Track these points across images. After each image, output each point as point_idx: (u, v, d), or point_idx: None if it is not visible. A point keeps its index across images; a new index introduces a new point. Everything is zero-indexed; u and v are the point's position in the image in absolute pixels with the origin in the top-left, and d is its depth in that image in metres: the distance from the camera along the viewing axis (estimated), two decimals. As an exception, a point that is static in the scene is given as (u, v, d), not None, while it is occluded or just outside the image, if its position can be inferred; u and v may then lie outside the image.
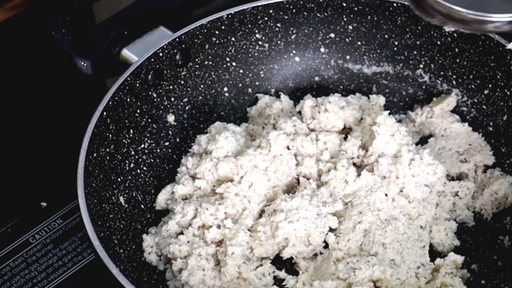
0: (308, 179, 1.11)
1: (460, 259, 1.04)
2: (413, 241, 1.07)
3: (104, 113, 1.09)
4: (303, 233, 1.05)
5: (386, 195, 1.09)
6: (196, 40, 1.19)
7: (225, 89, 1.24)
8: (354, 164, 1.13)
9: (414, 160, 1.09)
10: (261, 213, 1.09)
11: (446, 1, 0.90)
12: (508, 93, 1.12)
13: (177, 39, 1.18)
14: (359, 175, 1.10)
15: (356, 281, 1.00)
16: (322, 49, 1.24)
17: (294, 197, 1.07)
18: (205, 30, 1.19)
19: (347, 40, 1.23)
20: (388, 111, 1.13)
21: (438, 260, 1.05)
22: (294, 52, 1.24)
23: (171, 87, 1.19)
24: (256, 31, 1.22)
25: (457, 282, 1.02)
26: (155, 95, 1.18)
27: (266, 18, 1.21)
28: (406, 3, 1.17)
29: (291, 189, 1.12)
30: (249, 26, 1.22)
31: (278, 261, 1.07)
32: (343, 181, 1.10)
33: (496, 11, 0.88)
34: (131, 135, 1.14)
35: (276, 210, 1.06)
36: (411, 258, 1.05)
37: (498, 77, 1.13)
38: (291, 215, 1.05)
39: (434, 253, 1.07)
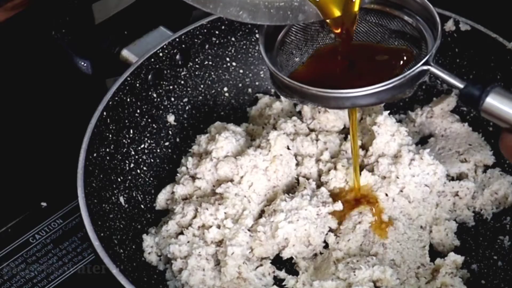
0: (308, 179, 1.11)
1: (460, 259, 1.04)
2: (413, 241, 1.07)
3: (104, 113, 1.09)
4: (303, 233, 1.05)
5: (386, 195, 1.09)
6: (196, 40, 1.19)
7: (225, 89, 1.24)
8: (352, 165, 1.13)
9: (414, 160, 1.09)
10: (261, 213, 1.09)
11: (297, 81, 0.93)
12: (508, 93, 1.12)
13: (177, 39, 1.18)
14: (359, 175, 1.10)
15: (356, 281, 1.00)
16: (322, 49, 1.24)
17: (294, 197, 1.07)
18: (205, 30, 1.19)
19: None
20: (388, 111, 1.14)
21: (438, 260, 1.04)
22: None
23: (171, 87, 1.19)
24: (256, 31, 1.22)
25: (457, 282, 1.01)
26: (155, 95, 1.18)
27: (266, 18, 1.21)
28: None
29: (291, 189, 1.12)
30: (249, 26, 1.22)
31: (278, 261, 1.07)
32: (343, 181, 1.10)
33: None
34: (131, 135, 1.14)
35: (276, 210, 1.06)
36: (411, 258, 1.05)
37: (498, 77, 1.13)
38: (291, 215, 1.05)
39: (434, 253, 1.07)
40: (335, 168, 1.11)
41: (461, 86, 0.91)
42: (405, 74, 0.92)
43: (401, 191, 1.09)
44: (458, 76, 0.92)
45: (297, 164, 1.13)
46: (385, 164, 1.10)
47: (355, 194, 1.08)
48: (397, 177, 1.09)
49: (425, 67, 0.92)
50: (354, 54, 1.00)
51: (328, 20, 0.98)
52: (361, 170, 1.11)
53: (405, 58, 0.98)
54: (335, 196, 1.09)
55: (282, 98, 1.22)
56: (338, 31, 0.98)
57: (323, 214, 1.06)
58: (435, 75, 0.93)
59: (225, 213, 1.07)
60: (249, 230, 1.06)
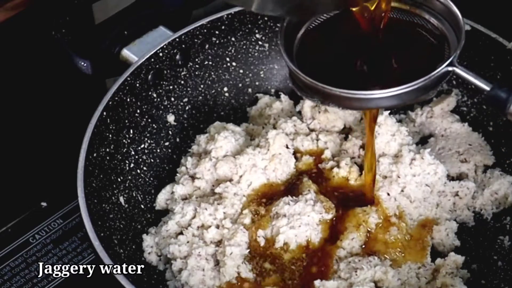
0: (308, 175, 1.11)
1: (460, 259, 1.04)
2: (415, 241, 1.07)
3: (104, 113, 1.09)
4: (303, 239, 1.05)
5: (388, 194, 1.09)
6: (196, 40, 1.19)
7: (225, 89, 1.24)
8: (355, 164, 1.13)
9: (415, 160, 1.09)
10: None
11: (320, 82, 0.90)
12: (508, 93, 1.12)
13: (177, 39, 1.18)
14: (360, 174, 1.10)
15: (358, 281, 1.00)
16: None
17: (298, 201, 1.06)
18: (205, 30, 1.19)
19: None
20: (388, 111, 1.13)
21: (439, 260, 1.04)
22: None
23: (171, 87, 1.19)
24: (256, 31, 1.22)
25: (457, 282, 1.01)
26: (155, 95, 1.18)
27: (266, 18, 1.21)
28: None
29: (291, 186, 1.12)
30: (249, 26, 1.22)
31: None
32: (345, 178, 1.10)
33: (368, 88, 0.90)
34: (131, 135, 1.14)
35: (278, 213, 1.06)
36: (413, 258, 1.05)
37: (498, 77, 1.13)
38: (293, 220, 1.05)
39: (435, 253, 1.07)
40: (338, 166, 1.11)
41: (487, 88, 0.89)
42: (430, 75, 0.89)
43: (402, 190, 1.09)
44: (484, 78, 0.90)
45: (297, 161, 1.13)
46: (386, 163, 1.10)
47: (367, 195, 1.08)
48: (398, 177, 1.09)
49: (450, 68, 0.90)
50: (376, 50, 0.98)
51: (356, 12, 0.95)
52: (362, 169, 1.11)
53: (426, 57, 0.96)
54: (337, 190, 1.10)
55: (282, 98, 1.22)
56: (366, 23, 0.95)
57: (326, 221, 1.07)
58: (459, 77, 0.91)
59: (224, 213, 1.07)
60: (248, 229, 1.06)
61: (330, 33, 1.00)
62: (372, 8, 0.93)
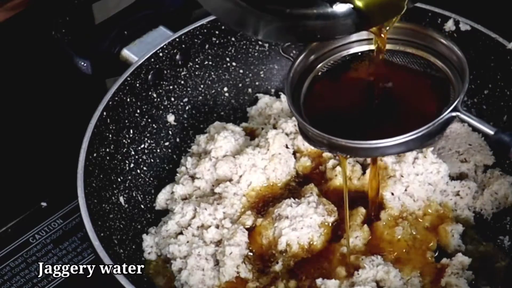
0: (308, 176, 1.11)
1: (467, 260, 1.03)
2: (420, 241, 1.06)
3: (104, 113, 1.09)
4: (305, 241, 1.05)
5: (392, 194, 1.09)
6: (196, 40, 1.19)
7: (225, 89, 1.24)
8: (357, 162, 1.13)
9: (418, 159, 1.09)
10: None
11: (325, 132, 0.91)
12: (508, 93, 1.12)
13: (177, 39, 1.18)
14: (363, 173, 1.10)
15: (359, 281, 1.00)
16: (322, 49, 1.24)
17: (300, 203, 1.06)
18: (205, 30, 1.19)
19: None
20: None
21: (444, 260, 1.04)
22: (294, 52, 1.24)
23: (171, 87, 1.19)
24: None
25: (462, 283, 1.01)
26: (155, 95, 1.18)
27: (266, 18, 1.21)
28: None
29: (292, 186, 1.12)
30: (249, 26, 1.21)
31: (278, 261, 1.07)
32: (348, 178, 1.10)
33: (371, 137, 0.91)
34: (131, 135, 1.14)
35: (281, 215, 1.06)
36: (417, 258, 1.05)
37: (498, 77, 1.13)
38: (296, 222, 1.05)
39: (437, 254, 1.07)
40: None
41: (491, 132, 0.90)
42: (434, 122, 0.89)
43: (406, 190, 1.09)
44: (488, 123, 0.90)
45: (297, 160, 1.13)
46: (389, 163, 1.10)
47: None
48: (402, 176, 1.09)
49: (453, 114, 0.90)
50: (382, 96, 0.98)
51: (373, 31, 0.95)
52: (365, 169, 1.11)
53: (433, 101, 0.96)
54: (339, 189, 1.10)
55: (282, 98, 1.22)
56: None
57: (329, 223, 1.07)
58: (464, 121, 0.91)
59: (223, 212, 1.07)
60: (248, 229, 1.06)
61: (335, 82, 1.00)
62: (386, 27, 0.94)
